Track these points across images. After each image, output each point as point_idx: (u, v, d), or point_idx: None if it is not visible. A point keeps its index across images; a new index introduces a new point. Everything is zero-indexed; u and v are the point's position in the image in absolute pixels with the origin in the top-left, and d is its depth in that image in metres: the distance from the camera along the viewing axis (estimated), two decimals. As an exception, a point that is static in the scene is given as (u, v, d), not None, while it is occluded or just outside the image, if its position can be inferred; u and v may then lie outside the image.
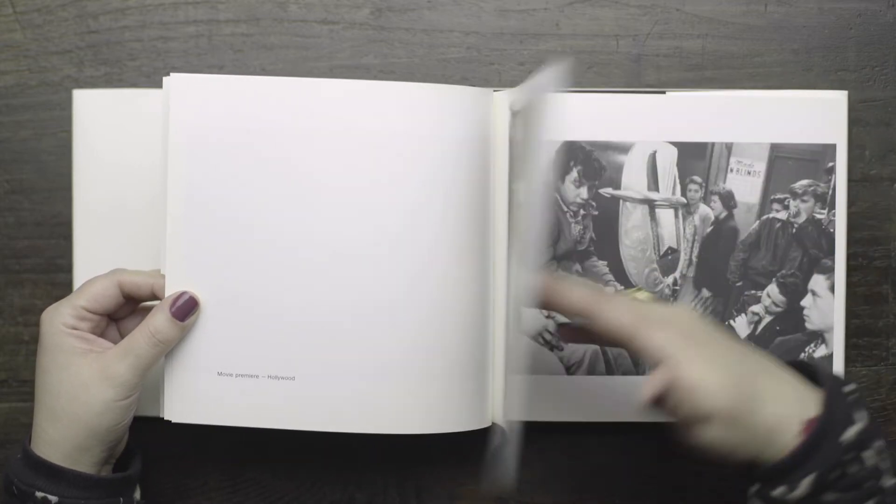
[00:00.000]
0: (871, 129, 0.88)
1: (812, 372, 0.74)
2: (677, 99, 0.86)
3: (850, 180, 0.87)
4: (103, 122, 0.87)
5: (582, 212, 0.86)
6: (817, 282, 0.86)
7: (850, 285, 0.87)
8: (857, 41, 0.88)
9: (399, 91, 0.79)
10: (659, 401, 0.71)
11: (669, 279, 0.86)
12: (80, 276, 0.86)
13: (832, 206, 0.86)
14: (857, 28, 0.88)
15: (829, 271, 0.86)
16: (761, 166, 0.86)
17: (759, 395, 0.71)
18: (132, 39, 0.88)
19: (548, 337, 0.86)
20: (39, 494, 0.75)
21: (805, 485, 0.69)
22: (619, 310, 0.73)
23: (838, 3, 0.88)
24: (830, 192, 0.86)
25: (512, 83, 0.88)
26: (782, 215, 0.86)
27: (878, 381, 0.89)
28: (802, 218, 0.86)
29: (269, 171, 0.79)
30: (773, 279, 0.86)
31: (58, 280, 0.88)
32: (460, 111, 0.80)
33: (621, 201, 0.86)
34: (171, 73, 0.79)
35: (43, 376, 0.77)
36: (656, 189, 0.86)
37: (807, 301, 0.86)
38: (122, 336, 0.80)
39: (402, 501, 0.89)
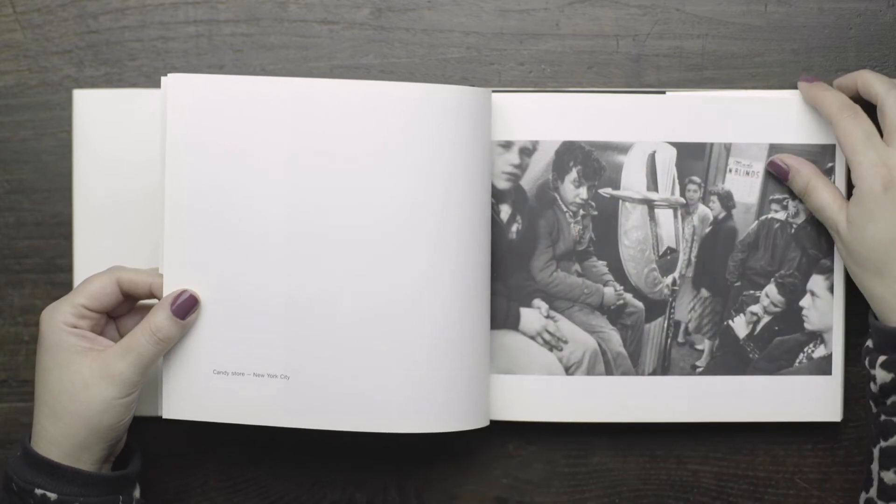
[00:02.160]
0: (870, 130, 0.88)
1: None
2: (677, 99, 0.86)
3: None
4: (103, 121, 0.87)
5: (581, 212, 0.86)
6: (816, 282, 0.86)
7: (849, 285, 0.87)
8: (857, 41, 0.88)
9: (399, 91, 0.80)
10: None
11: (668, 279, 0.86)
12: (80, 275, 0.86)
13: (832, 206, 0.86)
14: (857, 28, 0.88)
15: (828, 271, 0.86)
16: (760, 167, 0.86)
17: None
18: (132, 39, 0.88)
19: (547, 337, 0.86)
20: (39, 492, 0.75)
21: None
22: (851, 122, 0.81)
23: (838, 3, 0.88)
24: (830, 192, 0.86)
25: (512, 83, 0.88)
26: (781, 216, 0.86)
27: (878, 381, 0.89)
28: (802, 218, 0.86)
29: (266, 170, 0.79)
30: (772, 279, 0.86)
31: (58, 280, 0.88)
32: (460, 111, 0.80)
33: (620, 201, 0.86)
34: (170, 74, 0.79)
35: (43, 375, 0.77)
36: (655, 189, 0.86)
37: (805, 301, 0.86)
38: (121, 334, 0.81)
39: (402, 501, 0.89)
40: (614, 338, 0.86)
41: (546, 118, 0.85)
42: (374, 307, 0.80)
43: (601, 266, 0.86)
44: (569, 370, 0.86)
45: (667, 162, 0.86)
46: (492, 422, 0.85)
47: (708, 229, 0.86)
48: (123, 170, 0.87)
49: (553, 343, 0.86)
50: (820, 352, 0.86)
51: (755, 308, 0.87)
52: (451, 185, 0.80)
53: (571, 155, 0.86)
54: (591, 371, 0.86)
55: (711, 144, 0.86)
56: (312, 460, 0.89)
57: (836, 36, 0.88)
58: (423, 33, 0.88)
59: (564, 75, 0.88)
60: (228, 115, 0.79)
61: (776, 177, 0.85)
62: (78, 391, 0.76)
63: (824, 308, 0.86)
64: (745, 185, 0.86)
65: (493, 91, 0.84)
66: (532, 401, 0.86)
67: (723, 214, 0.86)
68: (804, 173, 0.83)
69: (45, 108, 0.88)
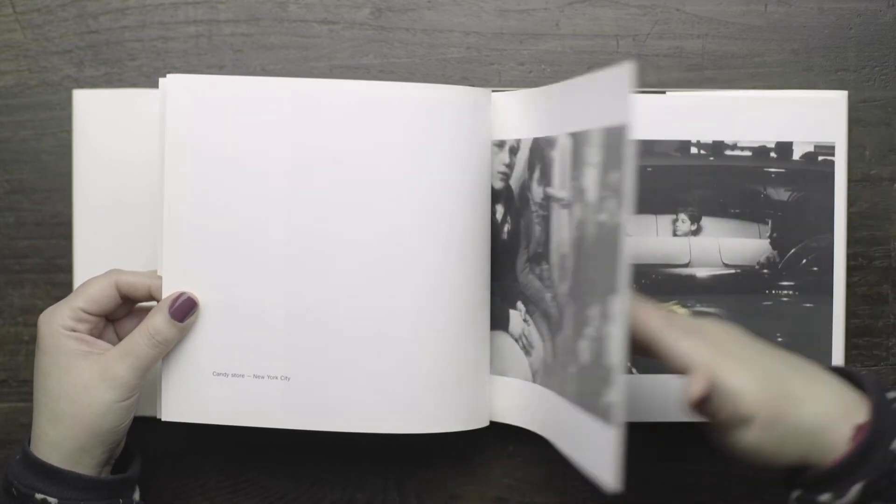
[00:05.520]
0: (871, 129, 0.88)
1: (849, 376, 0.72)
2: (677, 99, 0.86)
3: (849, 180, 0.86)
4: (103, 122, 0.87)
5: (541, 212, 0.83)
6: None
7: (849, 285, 0.87)
8: (857, 41, 0.88)
9: (399, 91, 0.79)
10: (700, 404, 0.69)
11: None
12: (80, 276, 0.86)
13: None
14: (857, 28, 0.88)
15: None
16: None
17: (795, 395, 0.68)
18: (132, 39, 0.88)
19: (524, 341, 0.85)
20: (39, 496, 0.75)
21: (854, 492, 0.67)
22: (647, 314, 0.71)
23: (838, 3, 0.88)
24: (831, 192, 0.86)
25: (512, 83, 0.88)
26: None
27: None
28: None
29: (265, 171, 0.79)
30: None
31: (58, 280, 0.88)
32: (460, 111, 0.80)
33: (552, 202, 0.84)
34: (168, 74, 0.79)
35: (42, 379, 0.77)
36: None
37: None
38: (120, 337, 0.81)
39: (402, 501, 0.89)
40: None
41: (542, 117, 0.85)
42: (374, 308, 0.80)
43: (546, 270, 0.82)
44: (534, 377, 0.83)
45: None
46: (492, 422, 0.85)
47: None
48: (123, 170, 0.87)
49: (527, 347, 0.84)
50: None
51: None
52: (451, 186, 0.80)
53: (538, 152, 0.82)
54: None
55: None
56: (312, 460, 0.89)
57: (836, 36, 0.88)
58: (423, 33, 0.88)
59: (564, 75, 0.88)
60: (227, 116, 0.79)
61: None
62: (78, 395, 0.76)
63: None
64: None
65: (493, 91, 0.84)
66: (527, 403, 0.85)
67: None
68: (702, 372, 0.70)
69: (45, 108, 0.88)
